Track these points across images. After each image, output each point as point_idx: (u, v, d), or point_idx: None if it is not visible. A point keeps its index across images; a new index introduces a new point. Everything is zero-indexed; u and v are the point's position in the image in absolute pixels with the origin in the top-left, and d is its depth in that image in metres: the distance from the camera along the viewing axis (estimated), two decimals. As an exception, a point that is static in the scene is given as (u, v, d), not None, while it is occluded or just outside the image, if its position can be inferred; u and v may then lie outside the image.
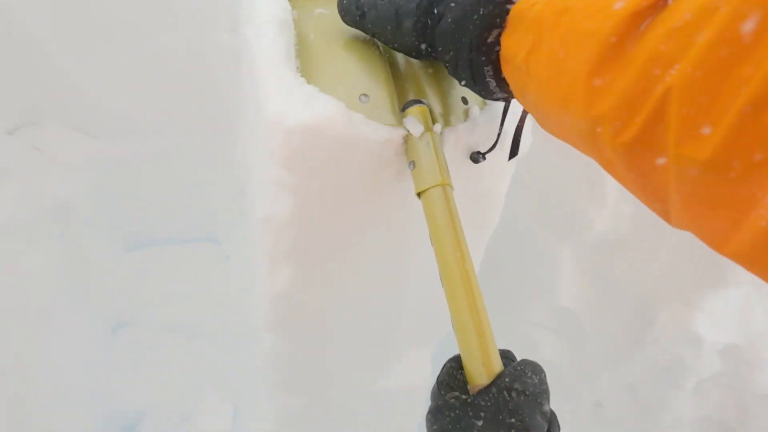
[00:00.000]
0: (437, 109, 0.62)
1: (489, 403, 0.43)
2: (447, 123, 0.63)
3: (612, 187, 0.82)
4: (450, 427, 0.43)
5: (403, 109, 0.59)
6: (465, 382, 0.46)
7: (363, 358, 1.03)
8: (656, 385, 0.96)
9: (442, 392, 0.46)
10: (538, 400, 0.44)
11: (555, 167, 0.89)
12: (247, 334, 1.46)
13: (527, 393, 0.43)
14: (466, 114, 0.66)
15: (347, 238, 0.74)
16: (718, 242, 0.30)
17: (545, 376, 0.46)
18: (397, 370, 1.14)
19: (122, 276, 1.63)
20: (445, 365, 0.49)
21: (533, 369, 0.46)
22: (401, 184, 0.68)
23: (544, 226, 0.96)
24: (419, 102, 0.59)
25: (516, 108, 0.66)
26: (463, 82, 0.55)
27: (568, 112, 0.39)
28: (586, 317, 1.00)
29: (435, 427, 0.44)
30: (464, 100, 0.67)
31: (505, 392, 0.43)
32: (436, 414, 0.45)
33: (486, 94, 0.55)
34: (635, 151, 0.32)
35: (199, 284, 1.72)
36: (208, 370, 1.55)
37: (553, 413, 0.45)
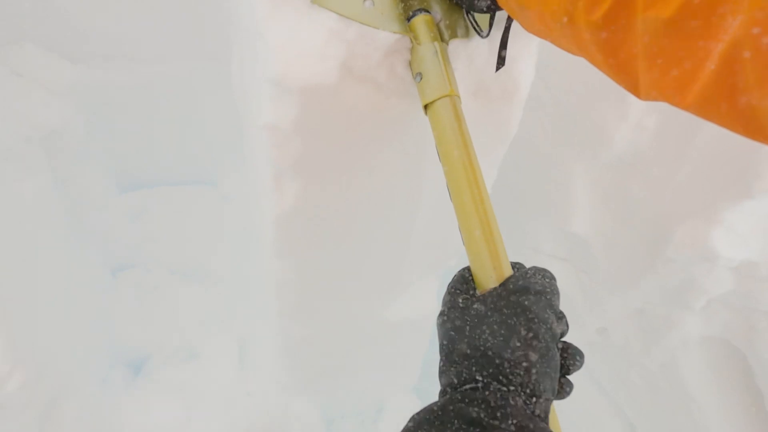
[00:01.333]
0: (443, 21, 0.59)
1: (499, 301, 0.43)
2: (453, 35, 0.60)
3: (636, 99, 0.77)
4: (460, 324, 0.43)
5: (409, 18, 0.57)
6: (475, 289, 0.47)
7: (370, 286, 1.01)
8: (665, 307, 0.95)
9: (453, 296, 0.46)
10: (548, 297, 0.43)
11: (574, 82, 0.84)
12: (249, 272, 1.45)
13: (537, 290, 0.43)
14: (470, 30, 0.63)
15: (354, 152, 0.70)
16: (679, 96, 0.34)
17: (555, 281, 0.46)
18: (403, 300, 1.14)
19: (118, 217, 1.59)
20: (455, 275, 0.49)
21: (543, 273, 0.46)
22: (408, 100, 0.64)
23: (559, 147, 0.92)
24: (425, 11, 0.57)
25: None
26: None
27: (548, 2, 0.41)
28: (598, 243, 0.98)
29: (447, 326, 0.44)
30: (469, 17, 0.64)
31: (514, 291, 0.43)
32: (448, 315, 0.45)
33: (468, 4, 0.55)
34: (607, 24, 0.36)
35: (197, 226, 1.69)
36: (211, 310, 1.55)
37: (563, 313, 0.45)
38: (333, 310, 1.04)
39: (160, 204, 1.71)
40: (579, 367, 0.44)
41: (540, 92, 0.89)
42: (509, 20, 0.57)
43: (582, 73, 0.81)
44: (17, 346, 0.83)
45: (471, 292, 0.46)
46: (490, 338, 0.41)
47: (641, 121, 0.80)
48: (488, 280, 0.45)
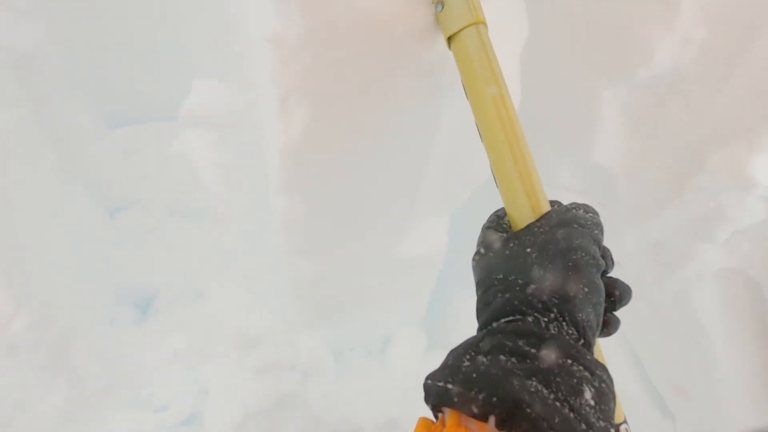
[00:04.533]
0: None
1: (538, 235, 0.40)
2: None
3: (689, 3, 0.68)
4: (497, 261, 0.41)
5: None
6: (510, 228, 0.45)
7: (380, 221, 0.97)
8: (685, 239, 0.92)
9: (488, 234, 0.44)
10: (591, 230, 0.41)
11: (614, -15, 0.74)
12: (251, 209, 1.41)
13: (579, 223, 0.41)
14: None
15: (367, 72, 0.62)
16: None
17: (599, 215, 0.44)
18: (414, 236, 1.10)
19: (109, 154, 1.51)
20: (490, 216, 0.47)
21: (585, 207, 0.44)
22: (427, 30, 0.56)
23: (590, 66, 0.84)
24: None
25: None
26: None
27: None
28: (621, 174, 0.93)
29: (482, 264, 0.42)
30: None
31: (554, 224, 0.41)
32: (484, 253, 0.43)
33: None
34: None
35: (193, 163, 1.62)
36: (214, 249, 1.52)
37: (607, 249, 0.43)
38: (342, 247, 1.01)
39: (152, 141, 1.62)
40: (626, 303, 0.42)
41: (571, 1, 0.79)
42: None
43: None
44: (17, 287, 0.80)
45: (507, 231, 0.44)
46: (528, 272, 0.39)
47: (688, 34, 0.71)
48: (525, 218, 0.43)
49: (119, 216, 1.55)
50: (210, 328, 1.36)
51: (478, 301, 0.41)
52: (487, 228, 0.45)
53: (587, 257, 0.39)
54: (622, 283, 0.41)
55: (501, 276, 0.40)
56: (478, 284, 0.42)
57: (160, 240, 1.54)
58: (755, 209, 0.82)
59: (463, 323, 1.51)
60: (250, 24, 0.61)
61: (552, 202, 0.45)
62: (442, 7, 0.50)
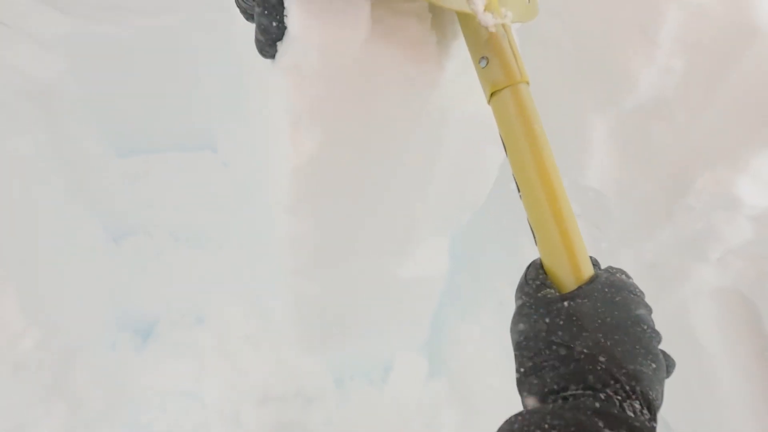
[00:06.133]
0: (503, 1, 0.54)
1: (596, 300, 0.38)
2: (516, 18, 0.54)
3: (666, 36, 0.74)
4: (552, 322, 0.38)
5: None
6: (553, 286, 0.42)
7: (383, 241, 1.00)
8: (679, 259, 0.95)
9: (531, 290, 0.42)
10: (642, 297, 0.41)
11: (596, 21, 0.80)
12: (253, 234, 1.43)
13: (631, 290, 0.40)
14: (528, 13, 0.59)
15: (376, 103, 0.66)
16: None
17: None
18: (414, 258, 1.12)
19: (116, 182, 1.55)
20: (529, 267, 0.45)
21: (624, 272, 0.43)
22: (440, 71, 0.60)
23: (577, 93, 0.89)
24: None
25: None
26: None
27: None
28: (612, 195, 0.97)
29: (531, 323, 0.39)
30: None
31: (609, 289, 0.39)
32: (530, 310, 0.40)
33: None
34: None
35: (198, 192, 1.65)
36: (217, 274, 1.54)
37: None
38: (345, 267, 1.03)
39: (158, 170, 1.66)
40: (671, 375, 0.41)
41: (558, 33, 0.85)
42: None
43: (604, 11, 0.78)
44: (28, 304, 0.81)
45: (552, 289, 0.42)
46: (593, 342, 0.36)
47: (668, 63, 0.77)
48: (567, 277, 0.41)
49: (123, 241, 1.57)
50: (211, 354, 1.35)
51: (523, 364, 0.39)
52: (530, 283, 0.43)
53: (650, 330, 0.38)
54: (668, 355, 0.41)
55: (558, 341, 0.37)
56: (523, 346, 0.39)
57: (162, 265, 1.55)
58: (744, 228, 0.86)
59: (463, 349, 1.51)
60: (257, 59, 0.67)
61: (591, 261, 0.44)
62: (487, 63, 0.50)
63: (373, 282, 1.10)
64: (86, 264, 1.26)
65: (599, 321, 0.37)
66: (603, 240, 1.08)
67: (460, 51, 0.61)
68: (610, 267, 0.44)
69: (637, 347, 0.36)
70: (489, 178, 0.92)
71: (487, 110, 0.78)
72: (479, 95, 0.68)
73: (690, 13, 0.69)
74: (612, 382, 0.34)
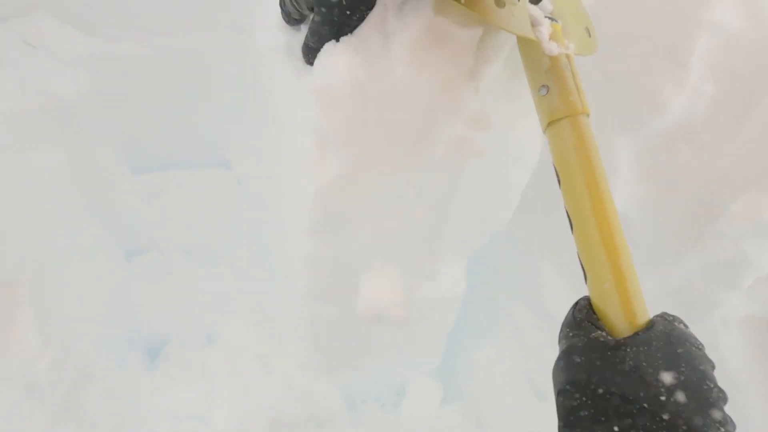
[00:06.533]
0: (566, 33, 0.54)
1: (657, 350, 0.36)
2: (579, 50, 0.54)
3: (697, 61, 0.73)
4: (607, 372, 0.35)
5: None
6: (605, 329, 0.40)
7: (402, 264, 0.98)
8: (708, 285, 0.93)
9: (581, 330, 0.39)
10: (704, 350, 0.39)
11: (627, 45, 0.80)
12: (267, 254, 1.42)
13: (693, 343, 0.38)
14: (589, 46, 0.59)
15: (405, 131, 0.65)
16: None
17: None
18: (432, 281, 1.10)
19: (132, 199, 1.55)
20: (578, 303, 0.42)
21: (682, 321, 0.41)
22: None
23: (603, 113, 0.88)
24: (553, 20, 0.52)
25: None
26: None
27: None
28: (638, 220, 0.95)
29: (582, 368, 0.37)
30: (587, 32, 0.60)
31: (668, 339, 0.37)
32: (582, 351, 0.37)
33: None
34: None
35: (211, 209, 1.65)
36: (229, 293, 1.52)
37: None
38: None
39: (172, 187, 1.66)
40: None
41: (590, 65, 0.85)
42: None
43: (634, 35, 0.77)
44: (43, 325, 0.80)
45: (603, 332, 0.39)
46: (657, 398, 0.34)
47: (698, 88, 0.76)
48: (621, 322, 0.39)
49: (135, 259, 1.57)
50: (221, 376, 1.33)
51: (572, 410, 0.36)
52: (578, 320, 0.40)
53: (717, 390, 0.36)
54: (730, 418, 0.38)
55: (613, 391, 0.35)
56: (571, 391, 0.37)
57: (174, 283, 1.54)
58: (777, 254, 0.83)
59: (477, 374, 1.48)
60: (289, 80, 0.66)
61: None
62: (547, 91, 0.49)
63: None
64: (100, 282, 1.25)
65: (661, 373, 0.35)
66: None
67: (494, 77, 0.60)
68: (665, 314, 0.42)
69: (707, 410, 0.34)
70: (512, 202, 0.90)
71: (517, 134, 0.77)
72: (510, 119, 0.66)
73: (722, 39, 0.69)
74: None
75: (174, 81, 1.25)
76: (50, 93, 0.97)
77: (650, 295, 1.09)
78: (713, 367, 0.39)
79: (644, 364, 0.35)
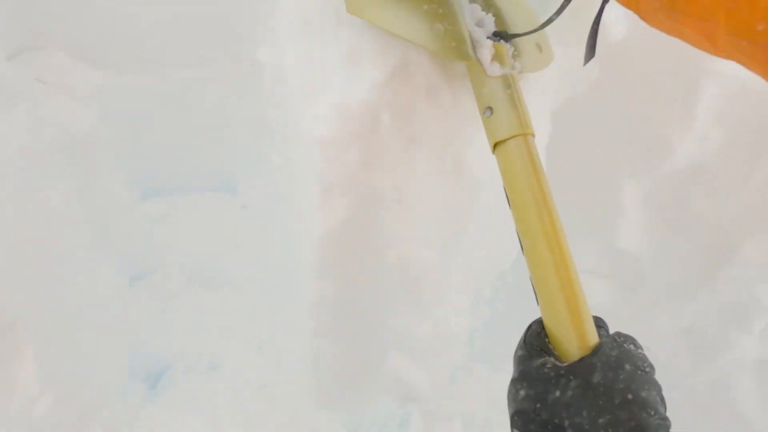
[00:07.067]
0: (513, 52, 0.54)
1: (600, 375, 0.36)
2: (525, 68, 0.54)
3: (704, 107, 0.73)
4: (552, 400, 0.36)
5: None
6: (554, 352, 0.40)
7: (407, 302, 0.97)
8: (719, 327, 0.91)
9: (531, 358, 0.39)
10: (651, 374, 0.38)
11: (638, 87, 0.80)
12: (272, 283, 1.41)
13: (638, 366, 0.37)
14: (540, 62, 0.59)
15: (407, 175, 0.65)
16: None
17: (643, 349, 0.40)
18: (437, 317, 1.09)
19: (138, 224, 1.55)
20: (530, 328, 0.42)
21: (633, 342, 0.40)
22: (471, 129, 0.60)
23: (612, 156, 0.88)
24: (497, 40, 0.52)
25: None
26: None
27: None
28: (647, 259, 0.94)
29: (530, 396, 0.37)
30: (538, 48, 0.59)
31: (614, 363, 0.37)
32: (528, 381, 0.38)
33: None
34: None
35: (216, 234, 1.65)
36: (232, 319, 1.51)
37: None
38: (367, 327, 1.00)
39: (177, 211, 1.67)
40: None
41: (597, 96, 0.85)
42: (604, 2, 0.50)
43: (644, 84, 0.77)
44: (45, 364, 0.79)
45: (552, 357, 0.39)
46: (593, 425, 0.34)
47: (707, 133, 0.76)
48: (570, 344, 0.39)
49: (139, 284, 1.56)
50: (223, 406, 1.31)
51: None
52: (527, 348, 0.40)
53: (657, 418, 0.35)
54: None
55: (556, 422, 0.35)
56: (519, 421, 0.37)
57: (177, 308, 1.53)
58: (789, 301, 0.82)
59: (481, 407, 1.45)
60: (294, 124, 0.67)
61: (596, 322, 0.41)
62: (491, 113, 0.49)
63: (394, 340, 1.07)
64: (103, 311, 1.24)
65: (601, 401, 0.35)
66: (635, 303, 1.04)
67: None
68: (618, 334, 0.41)
69: None
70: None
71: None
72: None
73: (730, 88, 0.68)
74: None
75: (183, 111, 1.26)
76: (62, 127, 0.97)
77: (661, 334, 1.07)
78: (659, 389, 0.37)
79: (587, 395, 0.35)
